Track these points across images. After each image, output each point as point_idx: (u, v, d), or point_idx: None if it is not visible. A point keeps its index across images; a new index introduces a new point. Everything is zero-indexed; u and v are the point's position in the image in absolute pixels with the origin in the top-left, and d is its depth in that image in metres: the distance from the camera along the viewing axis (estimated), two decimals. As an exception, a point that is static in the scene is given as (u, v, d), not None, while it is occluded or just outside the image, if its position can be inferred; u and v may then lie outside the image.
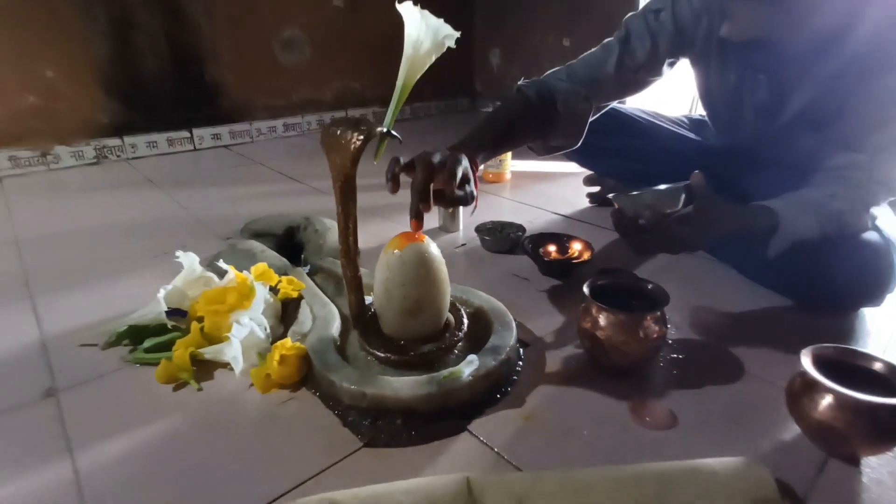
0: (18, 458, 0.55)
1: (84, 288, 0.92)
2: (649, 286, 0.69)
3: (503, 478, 0.50)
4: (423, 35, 0.60)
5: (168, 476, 0.53)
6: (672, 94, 1.78)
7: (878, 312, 0.83)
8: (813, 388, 0.53)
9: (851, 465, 0.54)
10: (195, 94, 1.85)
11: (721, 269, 0.97)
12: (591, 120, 0.95)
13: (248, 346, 0.68)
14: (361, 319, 0.71)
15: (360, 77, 2.24)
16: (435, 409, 0.60)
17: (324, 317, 0.75)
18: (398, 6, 0.59)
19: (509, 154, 1.53)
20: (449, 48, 0.61)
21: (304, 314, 0.77)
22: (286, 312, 0.80)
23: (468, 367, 0.62)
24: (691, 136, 1.16)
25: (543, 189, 1.50)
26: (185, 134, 1.86)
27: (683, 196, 0.69)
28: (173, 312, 0.75)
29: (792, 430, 0.58)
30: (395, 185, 0.60)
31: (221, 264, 0.80)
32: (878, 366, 0.55)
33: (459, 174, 0.61)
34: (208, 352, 0.69)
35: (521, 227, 1.11)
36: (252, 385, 0.66)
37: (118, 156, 1.74)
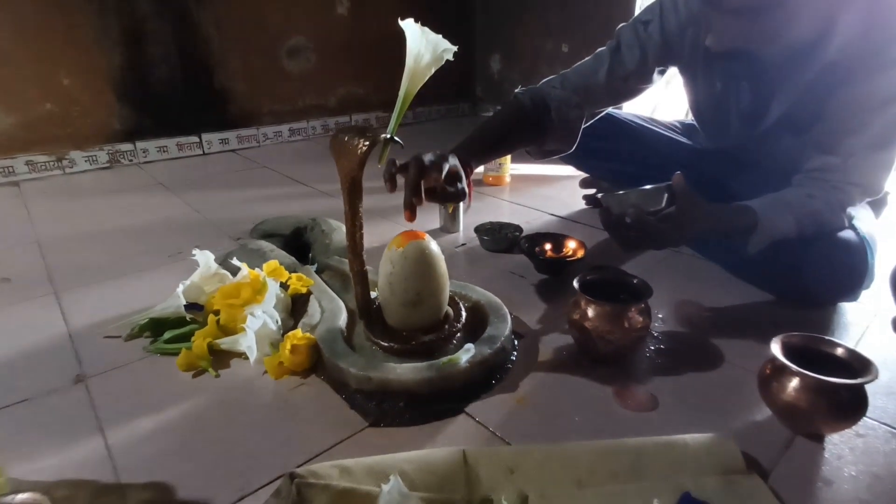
0: (56, 436, 0.61)
1: (104, 285, 0.97)
2: (635, 281, 0.74)
3: (496, 450, 0.55)
4: (424, 49, 0.65)
5: (192, 450, 0.59)
6: (669, 100, 1.83)
7: (854, 307, 0.87)
8: (781, 371, 0.58)
9: (816, 443, 0.59)
10: (204, 101, 1.92)
11: (708, 267, 1.02)
12: (585, 125, 0.99)
13: (262, 336, 0.73)
14: (367, 311, 0.76)
15: (364, 83, 2.30)
16: (435, 392, 0.65)
17: (332, 310, 0.80)
18: (401, 22, 0.65)
19: (508, 158, 1.58)
20: (450, 56, 0.66)
21: (314, 308, 0.82)
22: (295, 307, 0.85)
23: (465, 354, 0.68)
24: (683, 140, 1.20)
25: (541, 191, 1.55)
26: (195, 139, 1.93)
27: (666, 196, 0.75)
28: (191, 306, 0.80)
29: (763, 412, 0.63)
30: (391, 185, 0.68)
31: (235, 262, 0.86)
32: (839, 351, 0.60)
33: (446, 169, 0.69)
34: (225, 342, 0.75)
35: (518, 228, 1.16)
36: (266, 372, 0.71)
37: (130, 160, 1.81)
